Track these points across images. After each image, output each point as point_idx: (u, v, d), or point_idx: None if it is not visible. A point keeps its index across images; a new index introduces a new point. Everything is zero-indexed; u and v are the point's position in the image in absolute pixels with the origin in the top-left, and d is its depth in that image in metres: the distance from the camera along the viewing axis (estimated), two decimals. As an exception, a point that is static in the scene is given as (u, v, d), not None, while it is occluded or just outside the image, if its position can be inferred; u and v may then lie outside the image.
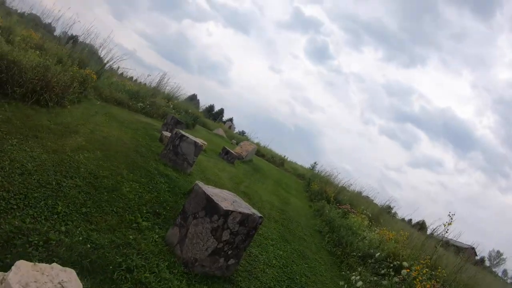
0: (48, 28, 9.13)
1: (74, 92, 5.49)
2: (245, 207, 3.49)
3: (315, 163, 20.63)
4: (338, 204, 9.46)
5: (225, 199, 3.40)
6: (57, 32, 9.01)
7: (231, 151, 9.45)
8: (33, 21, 8.02)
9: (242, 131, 23.71)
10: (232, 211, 3.16)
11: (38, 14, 8.14)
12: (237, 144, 13.18)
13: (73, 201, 3.05)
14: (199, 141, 6.02)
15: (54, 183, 3.12)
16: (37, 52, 4.80)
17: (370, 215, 9.26)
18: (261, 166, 12.10)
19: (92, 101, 6.66)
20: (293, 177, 14.99)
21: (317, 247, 6.01)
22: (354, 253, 5.82)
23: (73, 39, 9.45)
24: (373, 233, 7.09)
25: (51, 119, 4.40)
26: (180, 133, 5.79)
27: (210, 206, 3.16)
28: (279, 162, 16.61)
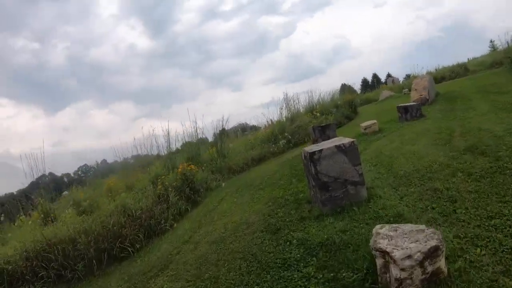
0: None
1: (173, 207, 4.64)
2: None
3: (491, 41, 15.34)
4: None
5: None
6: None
7: (408, 104, 7.31)
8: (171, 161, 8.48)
9: (406, 75, 21.24)
10: None
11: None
12: (409, 91, 10.27)
13: None
14: (346, 139, 3.48)
15: None
16: (124, 194, 4.51)
17: None
18: (451, 91, 9.47)
19: (216, 191, 5.73)
20: (489, 75, 10.97)
21: None
22: None
23: (220, 131, 9.70)
24: None
25: (127, 271, 3.50)
26: (307, 152, 3.43)
27: None
28: (462, 72, 14.05)
